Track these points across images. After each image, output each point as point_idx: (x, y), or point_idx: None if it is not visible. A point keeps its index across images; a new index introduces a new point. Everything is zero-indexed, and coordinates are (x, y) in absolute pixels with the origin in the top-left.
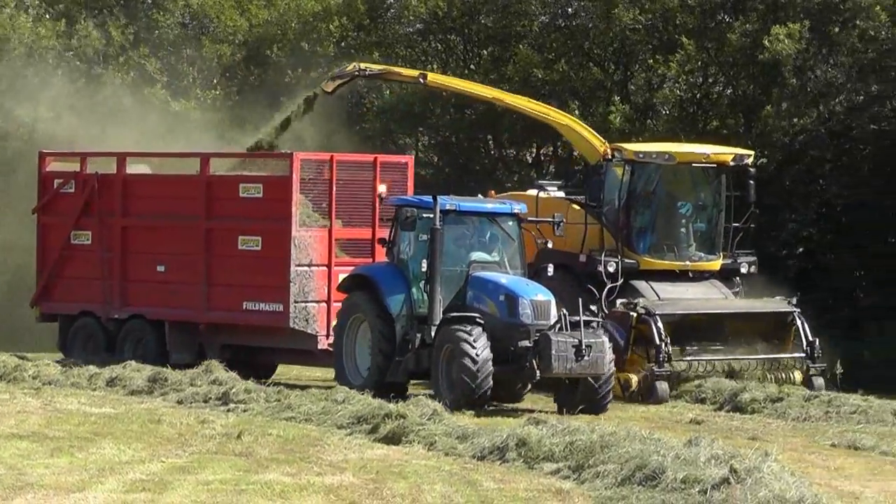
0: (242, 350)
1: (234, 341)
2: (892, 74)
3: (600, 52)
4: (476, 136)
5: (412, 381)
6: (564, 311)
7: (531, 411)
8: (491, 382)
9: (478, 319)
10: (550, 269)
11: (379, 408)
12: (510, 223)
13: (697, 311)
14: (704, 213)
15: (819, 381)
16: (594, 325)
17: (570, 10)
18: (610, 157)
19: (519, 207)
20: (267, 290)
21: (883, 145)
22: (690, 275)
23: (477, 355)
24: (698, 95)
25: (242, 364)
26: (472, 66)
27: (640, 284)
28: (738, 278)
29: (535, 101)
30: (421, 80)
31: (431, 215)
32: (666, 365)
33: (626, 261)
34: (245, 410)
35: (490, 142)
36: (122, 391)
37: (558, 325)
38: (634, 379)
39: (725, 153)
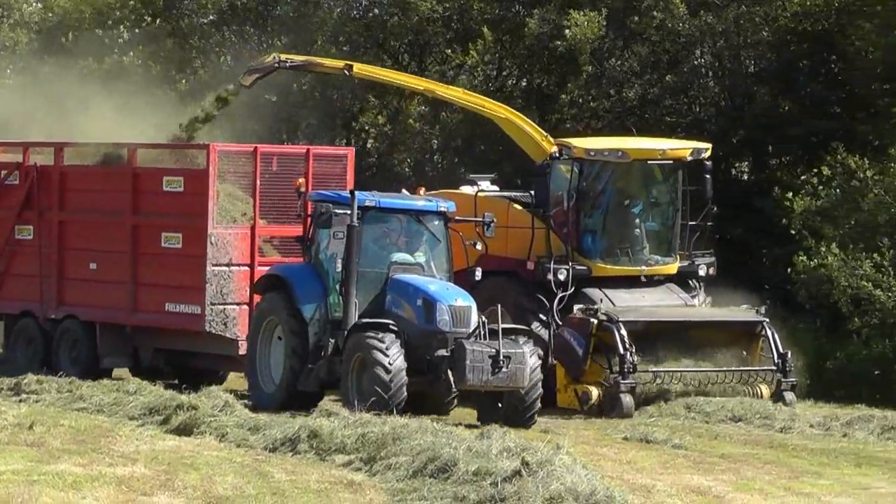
0: (175, 355)
1: (164, 345)
2: (688, 66)
3: (395, 44)
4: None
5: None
6: (483, 318)
7: (456, 426)
8: (405, 394)
9: (391, 326)
10: (478, 274)
11: (171, 399)
12: (436, 222)
13: (663, 319)
14: (659, 213)
15: (790, 395)
16: (517, 334)
17: (364, 1)
18: (557, 154)
19: (446, 206)
20: (185, 291)
21: (679, 138)
22: (644, 279)
23: (390, 364)
24: (493, 87)
25: (185, 371)
26: None
27: (593, 292)
28: (694, 281)
29: (470, 93)
30: (346, 72)
31: (349, 212)
32: (631, 376)
33: (578, 267)
34: (37, 401)
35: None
36: None
37: (476, 334)
38: (595, 391)
39: (682, 148)
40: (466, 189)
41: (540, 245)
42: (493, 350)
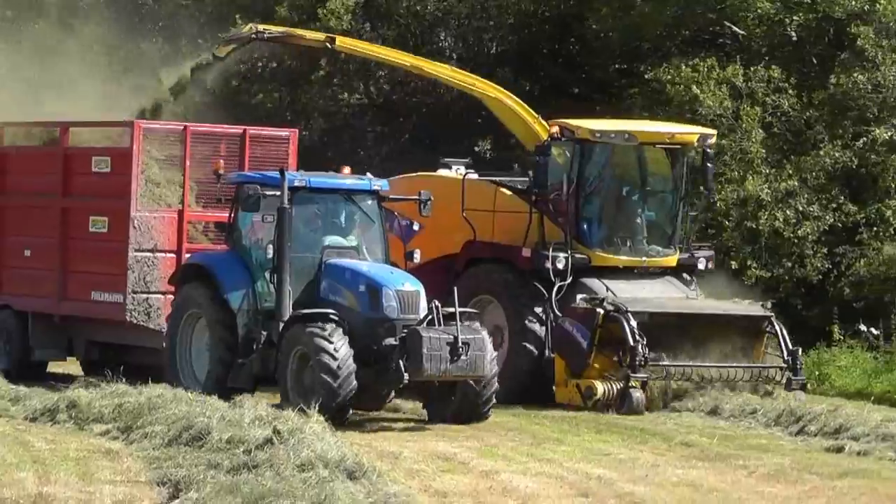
0: (108, 347)
1: (95, 337)
2: (433, 47)
3: (152, 27)
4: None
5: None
6: (436, 302)
7: (396, 420)
8: (354, 384)
9: (332, 315)
10: (417, 256)
11: None
12: (369, 202)
13: (670, 311)
14: (662, 202)
15: (801, 394)
16: (472, 318)
17: None
18: (558, 136)
19: (380, 184)
20: (109, 278)
21: (421, 114)
22: (636, 271)
23: (336, 351)
24: (244, 68)
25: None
26: None
27: (593, 282)
28: (688, 275)
29: (459, 71)
30: (328, 45)
31: (277, 193)
32: (642, 370)
33: (576, 256)
34: None
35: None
36: None
37: (429, 320)
38: (600, 386)
39: (690, 132)
40: (446, 172)
41: (534, 232)
42: (451, 336)
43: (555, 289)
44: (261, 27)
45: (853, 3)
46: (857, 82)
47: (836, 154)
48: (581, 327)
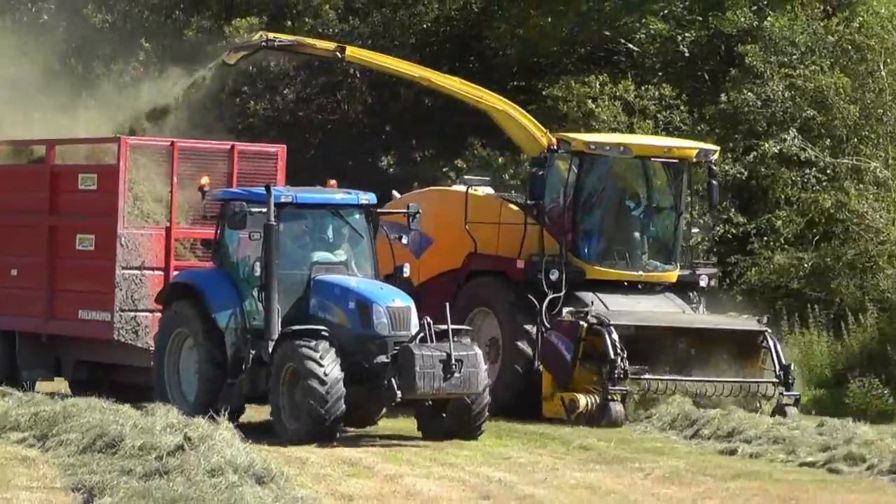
0: (98, 367)
1: (84, 356)
2: (339, 67)
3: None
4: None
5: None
6: (427, 318)
7: (390, 437)
8: (343, 407)
9: (324, 332)
10: (406, 270)
11: None
12: (357, 216)
13: (657, 325)
14: (661, 217)
15: (793, 410)
16: (464, 334)
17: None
18: (555, 148)
19: (368, 198)
20: (96, 296)
21: (327, 131)
22: (640, 287)
23: (325, 374)
24: None
25: (115, 386)
26: None
27: (586, 295)
28: (694, 293)
29: (467, 83)
30: (339, 54)
31: (264, 210)
32: (621, 383)
33: (571, 268)
34: None
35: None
36: None
37: (421, 336)
38: (582, 399)
39: (688, 147)
40: (458, 188)
41: (532, 244)
42: (444, 353)
43: (546, 301)
44: (271, 35)
45: (742, 20)
46: (747, 98)
47: (727, 167)
48: (565, 340)
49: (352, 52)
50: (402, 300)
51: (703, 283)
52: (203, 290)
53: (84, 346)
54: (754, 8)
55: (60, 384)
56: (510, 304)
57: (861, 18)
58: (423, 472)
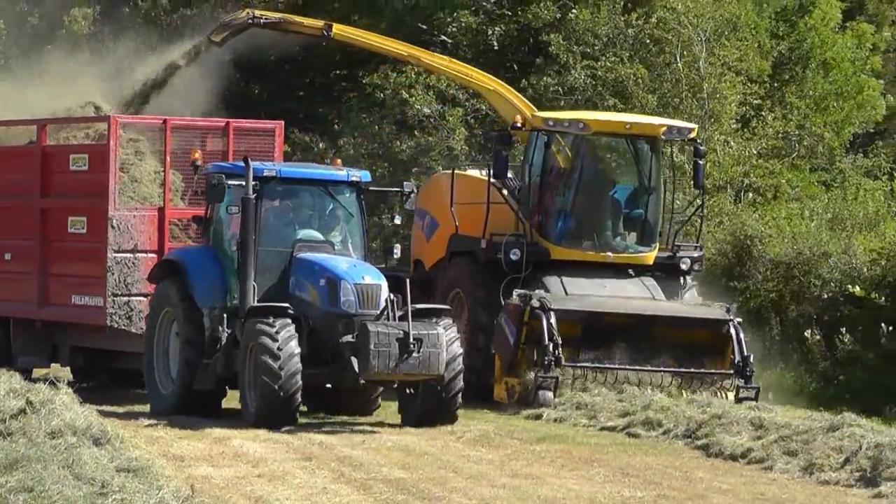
0: (93, 353)
1: (79, 342)
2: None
3: None
4: None
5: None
6: (392, 296)
7: (380, 424)
8: (299, 383)
9: (288, 310)
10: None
11: None
12: (347, 194)
13: (607, 311)
14: (633, 197)
15: (751, 404)
16: (437, 314)
17: None
18: (519, 125)
19: (359, 175)
20: (88, 281)
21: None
22: (617, 269)
23: (279, 349)
24: None
25: (115, 373)
26: None
27: (550, 278)
28: (682, 278)
29: (457, 62)
30: (325, 33)
31: (243, 183)
32: (554, 370)
33: (534, 248)
34: None
35: None
36: None
37: (385, 315)
38: (520, 384)
39: (654, 124)
40: (475, 173)
41: (497, 223)
42: (401, 332)
43: (503, 283)
44: (257, 13)
45: (546, 14)
46: (547, 84)
47: None
48: (510, 324)
49: (338, 29)
50: (372, 277)
51: (684, 266)
52: (186, 267)
53: (79, 332)
54: (559, 3)
55: (60, 371)
56: (475, 286)
57: (658, 14)
58: (251, 435)
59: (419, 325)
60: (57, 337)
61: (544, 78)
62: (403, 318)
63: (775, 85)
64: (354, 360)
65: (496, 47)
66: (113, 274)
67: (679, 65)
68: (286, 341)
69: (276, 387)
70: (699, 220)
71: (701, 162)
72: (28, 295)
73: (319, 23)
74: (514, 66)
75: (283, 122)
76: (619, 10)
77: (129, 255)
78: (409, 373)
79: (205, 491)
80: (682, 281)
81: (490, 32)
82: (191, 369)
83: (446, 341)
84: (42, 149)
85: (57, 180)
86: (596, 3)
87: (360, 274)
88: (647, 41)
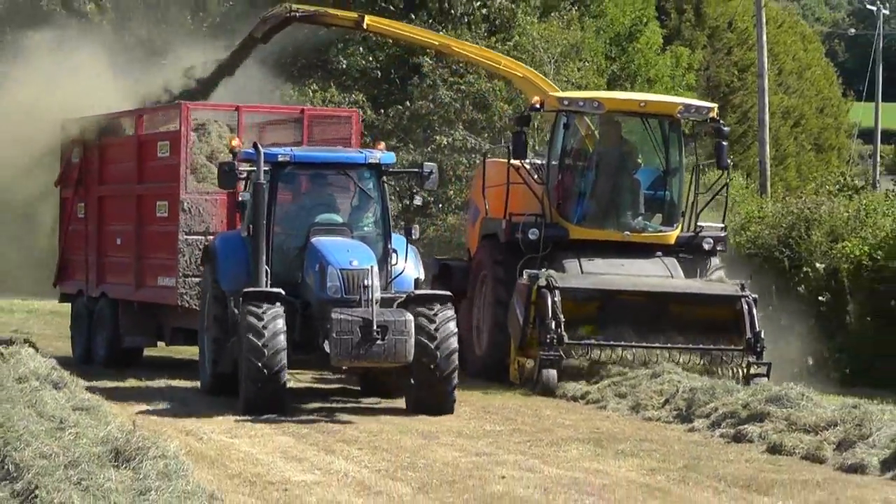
0: (190, 334)
1: (178, 323)
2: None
3: None
4: None
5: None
6: (366, 281)
7: (383, 411)
8: (283, 361)
9: (280, 293)
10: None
11: None
12: (367, 176)
13: (616, 288)
14: (656, 177)
15: (763, 381)
16: (437, 300)
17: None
18: (538, 106)
19: (379, 157)
20: (167, 262)
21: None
22: (659, 252)
23: (264, 328)
24: None
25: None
26: None
27: (568, 257)
28: (707, 258)
29: (486, 49)
30: (359, 24)
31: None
32: (556, 349)
33: (553, 229)
34: None
35: None
36: None
37: (355, 301)
38: (530, 363)
39: (670, 102)
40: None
41: (518, 204)
42: (363, 319)
43: (520, 263)
44: (294, 6)
45: None
46: (423, 105)
47: (408, 156)
48: (520, 303)
49: (370, 20)
50: (361, 262)
51: (706, 247)
52: (217, 252)
53: (178, 313)
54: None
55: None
56: (496, 265)
57: (516, 39)
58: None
59: (387, 312)
60: (161, 317)
61: (419, 98)
62: (388, 303)
63: None
64: (327, 346)
65: (379, 69)
66: (184, 255)
67: None
68: (271, 320)
69: (260, 364)
70: (724, 201)
71: (725, 144)
72: (128, 277)
73: (353, 15)
74: (397, 81)
75: (358, 111)
76: (484, 34)
77: (199, 237)
78: (373, 360)
79: (145, 426)
80: (707, 262)
81: (372, 59)
82: (216, 353)
83: (433, 328)
84: (138, 138)
85: (149, 167)
86: (461, 28)
87: (349, 259)
88: None
